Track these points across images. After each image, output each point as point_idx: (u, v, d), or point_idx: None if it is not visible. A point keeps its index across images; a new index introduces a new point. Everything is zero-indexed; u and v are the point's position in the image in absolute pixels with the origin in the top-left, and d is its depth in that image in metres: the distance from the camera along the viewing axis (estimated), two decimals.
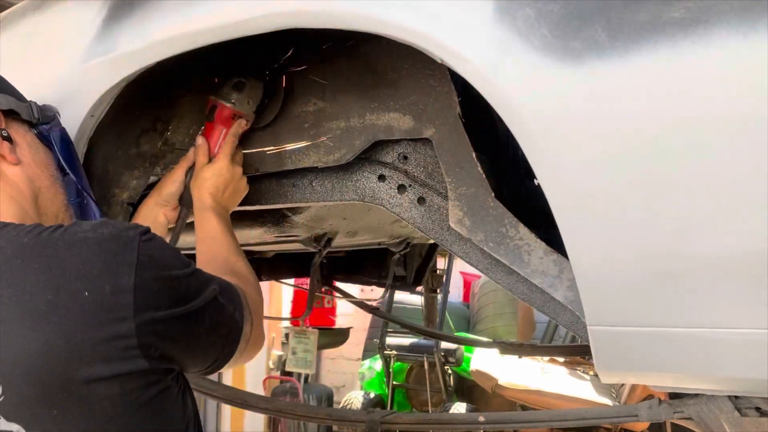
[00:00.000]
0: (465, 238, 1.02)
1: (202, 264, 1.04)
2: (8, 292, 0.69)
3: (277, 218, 1.44)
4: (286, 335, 4.90)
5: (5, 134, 0.88)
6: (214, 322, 0.82)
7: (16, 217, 0.84)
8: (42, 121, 0.96)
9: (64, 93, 1.14)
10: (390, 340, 4.49)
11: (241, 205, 1.24)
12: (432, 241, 2.17)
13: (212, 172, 1.14)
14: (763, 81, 0.66)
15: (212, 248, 1.08)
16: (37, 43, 1.23)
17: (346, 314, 5.39)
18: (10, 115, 0.91)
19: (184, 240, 1.41)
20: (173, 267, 0.76)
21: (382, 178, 1.14)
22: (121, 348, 0.69)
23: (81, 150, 1.13)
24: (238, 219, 1.40)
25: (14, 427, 0.68)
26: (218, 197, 1.14)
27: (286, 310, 5.48)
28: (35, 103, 0.97)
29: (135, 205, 1.27)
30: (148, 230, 0.76)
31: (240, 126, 1.17)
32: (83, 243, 0.71)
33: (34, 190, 0.89)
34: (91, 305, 0.68)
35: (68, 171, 0.98)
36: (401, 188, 1.12)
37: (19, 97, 0.95)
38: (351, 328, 5.17)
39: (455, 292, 5.99)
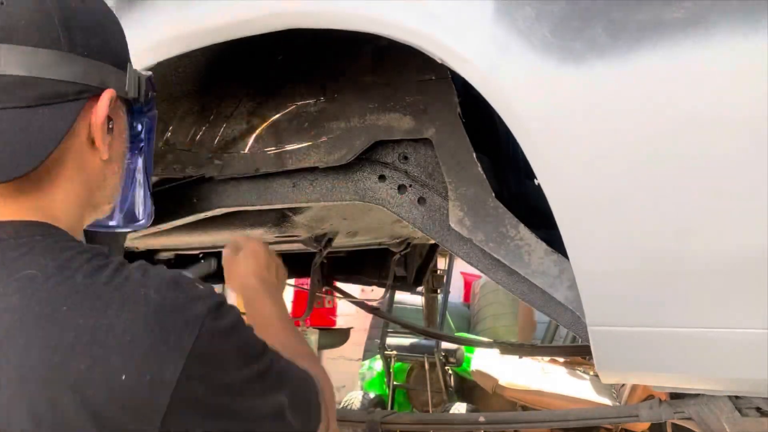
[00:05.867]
0: (465, 238, 1.02)
1: None
2: (39, 344, 0.55)
3: (277, 218, 1.44)
4: None
5: (111, 126, 0.70)
6: None
7: (65, 214, 0.68)
8: (140, 102, 0.76)
9: None
10: (390, 341, 4.48)
11: (241, 205, 1.24)
12: (432, 241, 2.17)
13: (245, 255, 1.08)
14: (763, 81, 0.66)
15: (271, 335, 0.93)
16: None
17: (346, 314, 5.38)
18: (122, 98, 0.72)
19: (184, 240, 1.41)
20: (233, 366, 0.61)
21: (382, 178, 1.14)
22: None
23: None
24: (239, 219, 1.40)
25: None
26: (263, 276, 1.06)
27: None
28: (140, 74, 0.74)
29: None
30: (221, 303, 0.62)
31: None
32: (139, 306, 0.57)
33: (101, 186, 0.72)
34: (123, 393, 0.55)
35: (146, 168, 0.81)
36: (401, 188, 1.12)
37: (125, 63, 0.73)
38: (351, 328, 5.16)
39: (456, 293, 5.99)
